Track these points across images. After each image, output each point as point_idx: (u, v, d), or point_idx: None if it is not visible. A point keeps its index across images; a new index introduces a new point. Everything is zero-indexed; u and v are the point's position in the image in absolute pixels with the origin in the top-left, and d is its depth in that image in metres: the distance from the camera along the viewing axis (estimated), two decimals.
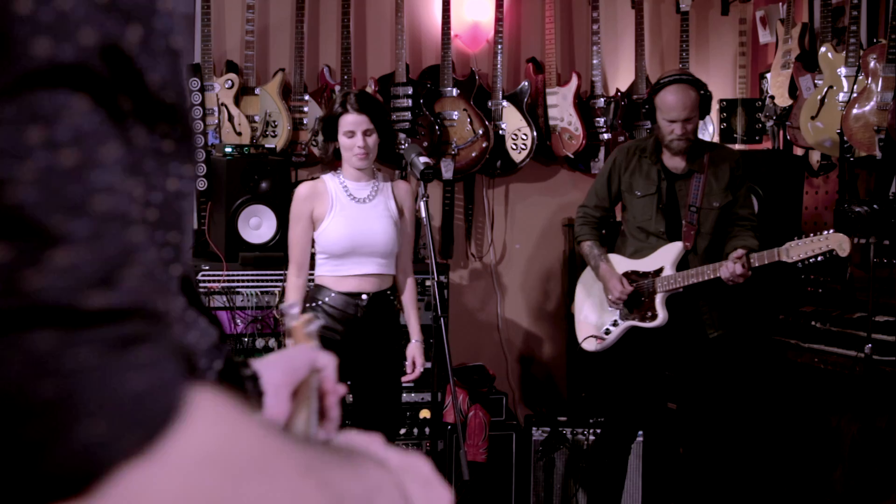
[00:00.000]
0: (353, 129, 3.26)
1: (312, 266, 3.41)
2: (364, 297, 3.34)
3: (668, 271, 3.58)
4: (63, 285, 0.39)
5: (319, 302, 3.31)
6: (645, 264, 3.65)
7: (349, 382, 3.32)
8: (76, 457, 0.39)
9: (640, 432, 4.02)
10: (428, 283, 4.11)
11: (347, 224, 3.31)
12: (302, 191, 3.37)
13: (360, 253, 3.32)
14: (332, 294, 3.31)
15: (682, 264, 3.59)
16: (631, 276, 3.66)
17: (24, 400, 0.38)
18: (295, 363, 0.90)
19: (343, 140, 3.29)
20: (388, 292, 3.43)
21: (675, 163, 3.65)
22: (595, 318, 3.79)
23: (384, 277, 3.41)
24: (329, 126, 3.31)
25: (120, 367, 0.40)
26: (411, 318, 3.51)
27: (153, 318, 0.42)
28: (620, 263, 3.71)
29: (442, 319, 3.15)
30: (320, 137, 3.39)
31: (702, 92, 3.59)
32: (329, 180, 3.38)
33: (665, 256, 3.61)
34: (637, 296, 3.64)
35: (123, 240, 0.41)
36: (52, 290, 0.39)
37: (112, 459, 0.39)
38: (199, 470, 0.43)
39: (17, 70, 0.39)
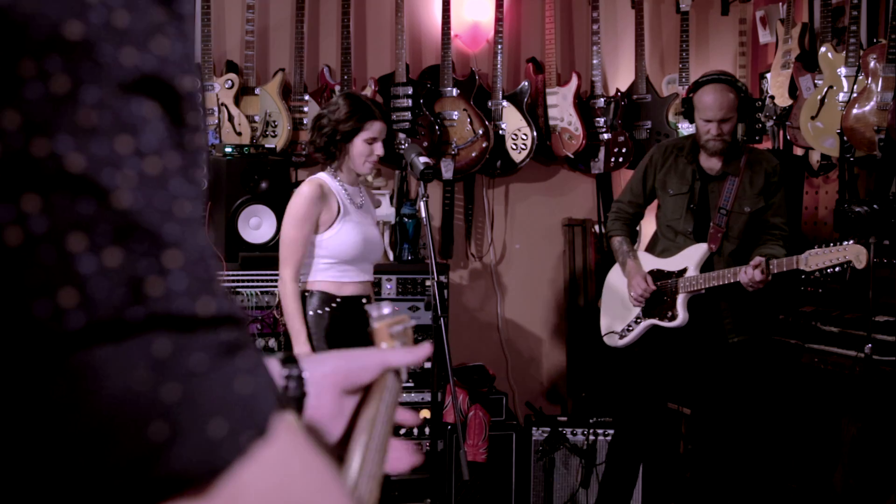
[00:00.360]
0: (377, 137, 3.20)
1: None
2: (364, 300, 3.31)
3: (692, 272, 3.58)
4: (182, 291, 0.41)
5: (327, 309, 3.19)
6: (670, 264, 3.65)
7: None
8: (201, 454, 0.41)
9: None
10: (428, 283, 4.11)
11: (357, 230, 3.22)
12: (312, 191, 3.14)
13: (366, 260, 3.28)
14: (339, 299, 3.22)
15: (707, 266, 3.58)
16: (656, 274, 3.66)
17: (151, 402, 0.40)
18: (355, 362, 0.88)
19: (360, 146, 3.18)
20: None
21: (711, 164, 3.63)
22: (619, 314, 3.81)
23: (371, 284, 3.39)
24: (352, 128, 3.16)
25: (230, 372, 0.43)
26: None
27: (241, 324, 0.45)
28: (647, 261, 3.73)
29: (442, 319, 3.15)
30: (324, 137, 3.19)
31: (741, 95, 3.56)
32: (330, 182, 3.24)
33: (690, 257, 3.60)
34: (660, 295, 3.64)
35: (203, 246, 0.43)
36: (174, 296, 0.41)
37: (232, 457, 0.42)
38: (289, 467, 0.46)
39: (111, 79, 0.41)
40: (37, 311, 0.39)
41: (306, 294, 3.20)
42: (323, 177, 3.25)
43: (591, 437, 4.15)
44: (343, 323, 3.23)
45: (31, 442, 0.39)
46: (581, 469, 4.16)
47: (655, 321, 3.66)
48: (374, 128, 3.19)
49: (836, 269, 3.31)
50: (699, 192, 3.63)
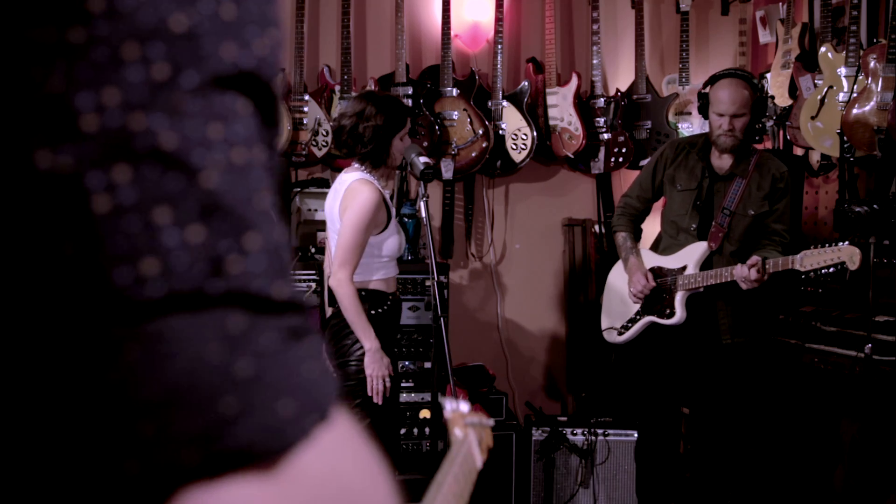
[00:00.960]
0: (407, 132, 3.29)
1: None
2: (398, 294, 3.40)
3: (691, 270, 3.59)
4: (260, 272, 0.43)
5: (382, 309, 3.25)
6: (671, 261, 3.66)
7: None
8: (268, 432, 0.42)
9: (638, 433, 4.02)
10: (428, 283, 4.11)
11: (398, 228, 3.31)
12: (377, 196, 3.16)
13: (398, 256, 3.34)
14: (390, 297, 3.28)
15: (706, 265, 3.59)
16: (656, 271, 3.68)
17: (224, 376, 0.41)
18: None
19: (399, 144, 3.23)
20: None
21: (721, 163, 3.63)
22: (619, 310, 3.83)
23: None
24: (396, 129, 3.20)
25: (298, 356, 0.44)
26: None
27: (306, 313, 0.46)
28: (648, 258, 3.75)
29: (442, 319, 3.16)
30: (367, 146, 3.19)
31: (757, 93, 3.57)
32: (377, 182, 3.24)
33: (690, 255, 3.61)
34: (659, 292, 3.66)
35: (279, 237, 0.45)
36: (252, 276, 0.42)
37: (297, 438, 0.43)
38: (345, 454, 0.47)
39: (208, 70, 0.42)
40: (117, 277, 0.40)
41: (362, 294, 3.20)
42: (369, 178, 3.22)
43: (591, 437, 4.15)
44: (392, 320, 3.30)
45: (101, 404, 0.40)
46: (581, 469, 4.16)
47: (654, 318, 3.67)
48: (408, 123, 3.28)
49: (830, 269, 3.32)
50: (706, 190, 3.63)
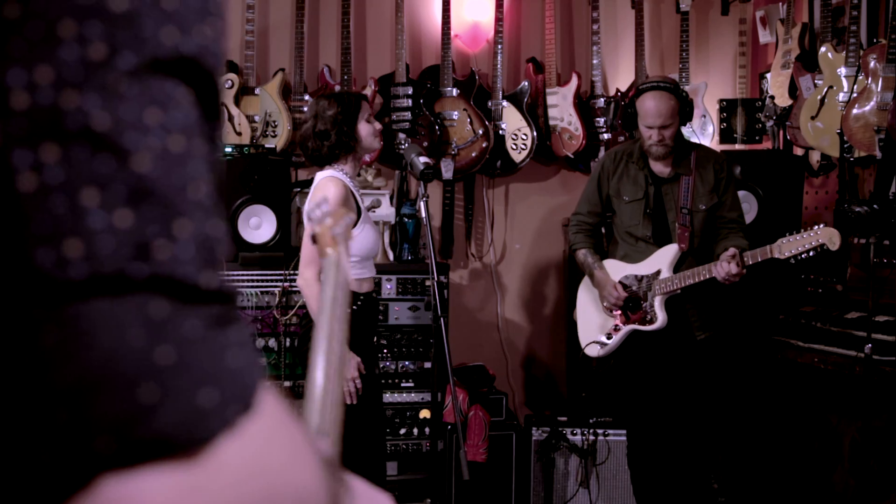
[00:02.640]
0: (370, 113, 3.29)
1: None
2: (374, 294, 3.35)
3: (666, 273, 3.61)
4: (188, 259, 0.42)
5: (353, 308, 3.22)
6: (642, 268, 3.67)
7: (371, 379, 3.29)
8: (189, 421, 0.41)
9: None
10: (428, 283, 4.11)
11: (372, 227, 3.27)
12: (341, 192, 3.12)
13: (373, 256, 3.32)
14: (361, 297, 3.25)
15: (678, 267, 3.61)
16: (629, 279, 3.68)
17: (144, 362, 0.40)
18: None
19: (365, 127, 3.24)
20: None
21: (660, 167, 3.68)
22: (597, 324, 3.81)
23: None
24: (352, 115, 3.21)
25: (222, 344, 0.43)
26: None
27: (234, 302, 0.45)
28: (617, 268, 3.73)
29: (442, 319, 3.15)
30: (332, 138, 3.20)
31: (683, 96, 3.62)
32: (346, 179, 3.21)
33: (662, 259, 3.63)
34: (636, 300, 3.66)
35: (212, 229, 0.44)
36: (179, 262, 0.41)
37: (219, 428, 0.42)
38: (270, 445, 0.46)
39: (147, 53, 0.41)
40: (39, 257, 0.39)
41: None
42: (340, 175, 3.22)
43: (591, 437, 4.15)
44: (363, 320, 3.27)
45: (15, 388, 0.39)
46: (581, 469, 4.16)
47: (635, 326, 3.67)
48: (366, 106, 3.28)
49: (811, 253, 3.33)
50: (654, 196, 3.67)
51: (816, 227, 3.35)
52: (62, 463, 0.39)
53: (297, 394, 3.67)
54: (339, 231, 0.97)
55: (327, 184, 3.17)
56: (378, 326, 3.46)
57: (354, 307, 3.24)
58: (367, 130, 3.24)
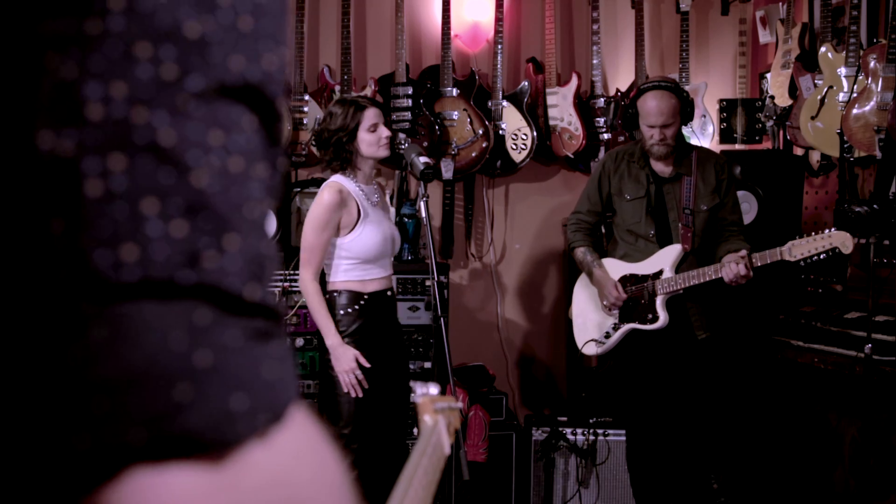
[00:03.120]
0: (376, 121, 3.25)
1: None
2: (388, 293, 3.36)
3: (668, 273, 3.61)
4: (234, 272, 0.44)
5: (357, 307, 3.25)
6: (644, 267, 3.67)
7: (382, 379, 3.28)
8: (218, 423, 0.43)
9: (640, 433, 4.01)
10: (428, 283, 4.11)
11: (377, 230, 3.26)
12: (332, 198, 3.18)
13: (386, 256, 3.32)
14: (366, 296, 3.26)
15: (680, 267, 3.61)
16: (630, 279, 3.68)
17: (182, 363, 0.42)
18: None
19: (366, 136, 3.22)
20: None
21: (661, 167, 3.69)
22: (595, 323, 3.81)
23: (392, 276, 3.45)
24: (351, 127, 3.22)
25: (260, 356, 0.45)
26: None
27: (279, 319, 0.47)
28: (618, 267, 3.73)
29: (442, 319, 3.16)
30: (332, 147, 3.24)
31: (684, 96, 3.63)
32: (348, 185, 3.25)
33: (664, 259, 3.63)
34: (637, 299, 3.66)
35: (263, 248, 0.46)
36: (225, 273, 0.44)
37: (247, 433, 0.44)
38: (298, 456, 0.48)
39: (215, 77, 0.44)
40: (97, 258, 0.42)
41: (335, 294, 3.26)
42: (341, 180, 3.26)
43: (591, 437, 4.15)
44: (372, 317, 3.28)
45: (61, 376, 0.41)
46: (581, 469, 4.16)
47: (635, 325, 3.67)
48: (369, 115, 3.24)
49: (822, 256, 3.33)
50: (655, 195, 3.67)
51: (828, 230, 3.34)
52: (95, 452, 0.41)
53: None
54: (442, 406, 0.99)
55: (321, 192, 3.26)
56: (395, 326, 3.44)
57: (357, 306, 3.26)
58: (368, 140, 3.23)
